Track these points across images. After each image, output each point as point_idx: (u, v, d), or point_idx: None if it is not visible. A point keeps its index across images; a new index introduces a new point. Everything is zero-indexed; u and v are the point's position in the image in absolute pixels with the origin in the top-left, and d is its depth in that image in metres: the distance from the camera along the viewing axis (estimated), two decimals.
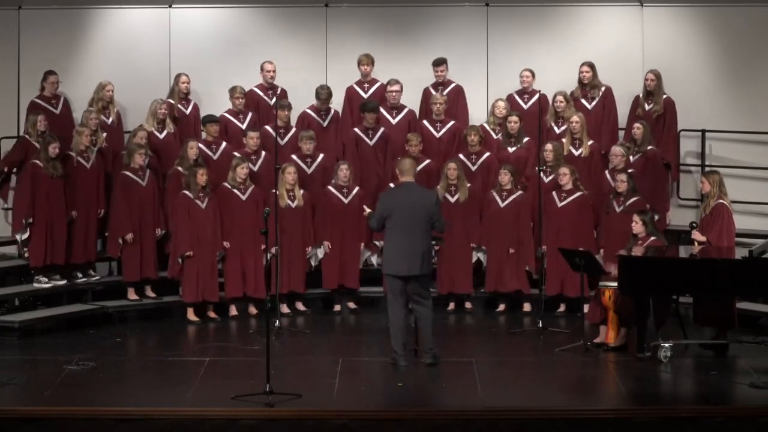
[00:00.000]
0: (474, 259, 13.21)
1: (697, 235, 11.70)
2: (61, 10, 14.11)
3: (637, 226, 11.54)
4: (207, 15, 14.37)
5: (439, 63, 13.80)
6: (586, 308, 11.84)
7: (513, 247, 12.97)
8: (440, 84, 13.86)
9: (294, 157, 13.28)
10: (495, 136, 13.59)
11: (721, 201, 11.70)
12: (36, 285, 12.71)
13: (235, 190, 12.93)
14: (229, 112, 13.74)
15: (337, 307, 13.31)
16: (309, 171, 13.33)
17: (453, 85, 13.92)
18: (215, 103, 13.95)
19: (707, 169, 13.26)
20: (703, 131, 13.90)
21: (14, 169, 13.09)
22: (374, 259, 13.37)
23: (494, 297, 13.21)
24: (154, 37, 14.23)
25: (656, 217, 13.08)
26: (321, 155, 13.42)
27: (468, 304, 13.25)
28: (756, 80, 14.08)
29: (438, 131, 13.64)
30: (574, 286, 12.26)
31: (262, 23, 14.39)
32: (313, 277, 13.32)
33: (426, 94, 13.86)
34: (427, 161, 13.35)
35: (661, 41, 14.18)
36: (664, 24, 14.21)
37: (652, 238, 11.50)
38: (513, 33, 14.30)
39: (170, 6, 14.27)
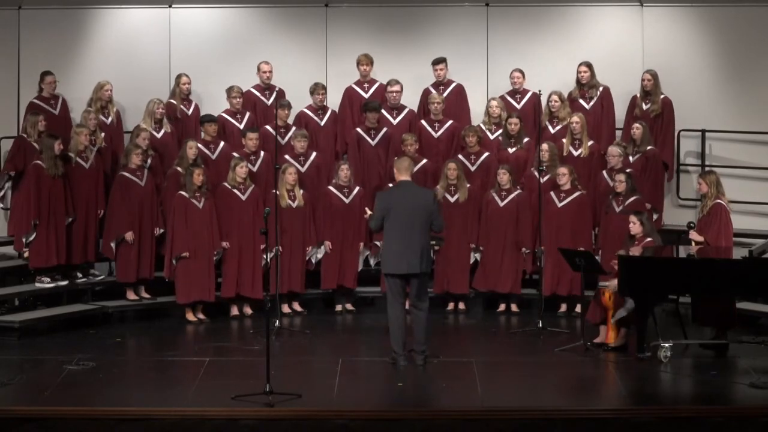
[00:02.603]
0: (472, 260, 13.22)
1: (694, 235, 11.70)
2: (61, 10, 14.12)
3: (635, 227, 11.53)
4: (207, 15, 14.38)
5: (438, 62, 13.80)
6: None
7: (514, 246, 12.97)
8: (441, 84, 13.87)
9: (287, 156, 13.27)
10: (491, 137, 13.59)
11: (718, 201, 11.71)
12: (38, 285, 12.70)
13: (235, 190, 12.93)
14: (226, 112, 13.73)
15: (338, 307, 13.31)
16: (303, 169, 13.32)
17: (454, 84, 13.92)
18: (215, 102, 13.95)
19: (705, 169, 13.27)
20: (703, 131, 13.90)
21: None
22: (372, 260, 13.33)
23: (494, 297, 13.20)
24: (154, 37, 14.23)
25: (654, 217, 13.09)
26: (314, 153, 13.41)
27: (461, 305, 13.24)
28: (756, 80, 14.09)
29: (436, 131, 13.64)
30: (574, 285, 12.31)
31: (262, 23, 14.39)
32: (311, 277, 13.30)
33: (425, 94, 13.86)
34: (424, 161, 13.34)
35: (661, 41, 14.18)
36: (664, 24, 14.22)
37: (648, 239, 11.50)
38: (513, 33, 14.30)
39: (170, 6, 14.27)
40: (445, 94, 13.79)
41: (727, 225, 11.73)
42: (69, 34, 14.13)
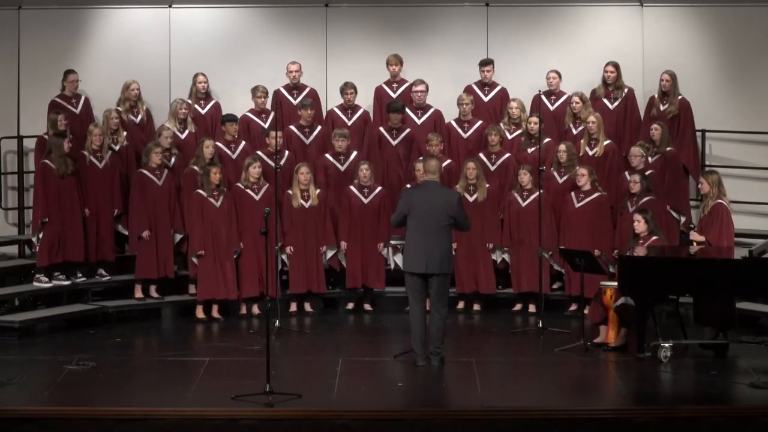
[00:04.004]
0: (499, 260, 13.16)
1: (695, 236, 11.70)
2: (61, 10, 14.12)
3: (639, 225, 11.54)
4: (207, 15, 14.38)
5: (486, 63, 13.80)
6: (586, 309, 11.85)
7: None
8: (486, 84, 13.87)
9: (328, 156, 13.27)
10: (510, 137, 13.57)
11: (719, 201, 11.70)
12: (36, 284, 12.69)
13: (248, 191, 12.93)
14: (251, 111, 13.73)
15: (350, 305, 13.27)
16: (342, 168, 13.31)
17: (499, 87, 13.92)
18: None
19: (706, 169, 13.26)
20: (703, 131, 13.90)
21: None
22: (396, 260, 13.14)
23: (522, 297, 13.09)
24: (154, 37, 14.23)
25: (682, 219, 13.05)
26: (354, 153, 13.37)
27: (476, 306, 13.21)
28: (756, 80, 14.09)
29: (465, 132, 13.63)
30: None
31: (262, 23, 14.39)
32: (340, 277, 13.29)
33: (468, 91, 13.79)
34: (449, 161, 13.29)
35: (661, 41, 14.18)
36: (664, 24, 14.22)
37: (654, 237, 11.50)
38: (513, 33, 14.31)
39: (170, 6, 14.28)
40: (490, 96, 13.83)
41: (728, 225, 11.73)
42: (69, 34, 14.13)
